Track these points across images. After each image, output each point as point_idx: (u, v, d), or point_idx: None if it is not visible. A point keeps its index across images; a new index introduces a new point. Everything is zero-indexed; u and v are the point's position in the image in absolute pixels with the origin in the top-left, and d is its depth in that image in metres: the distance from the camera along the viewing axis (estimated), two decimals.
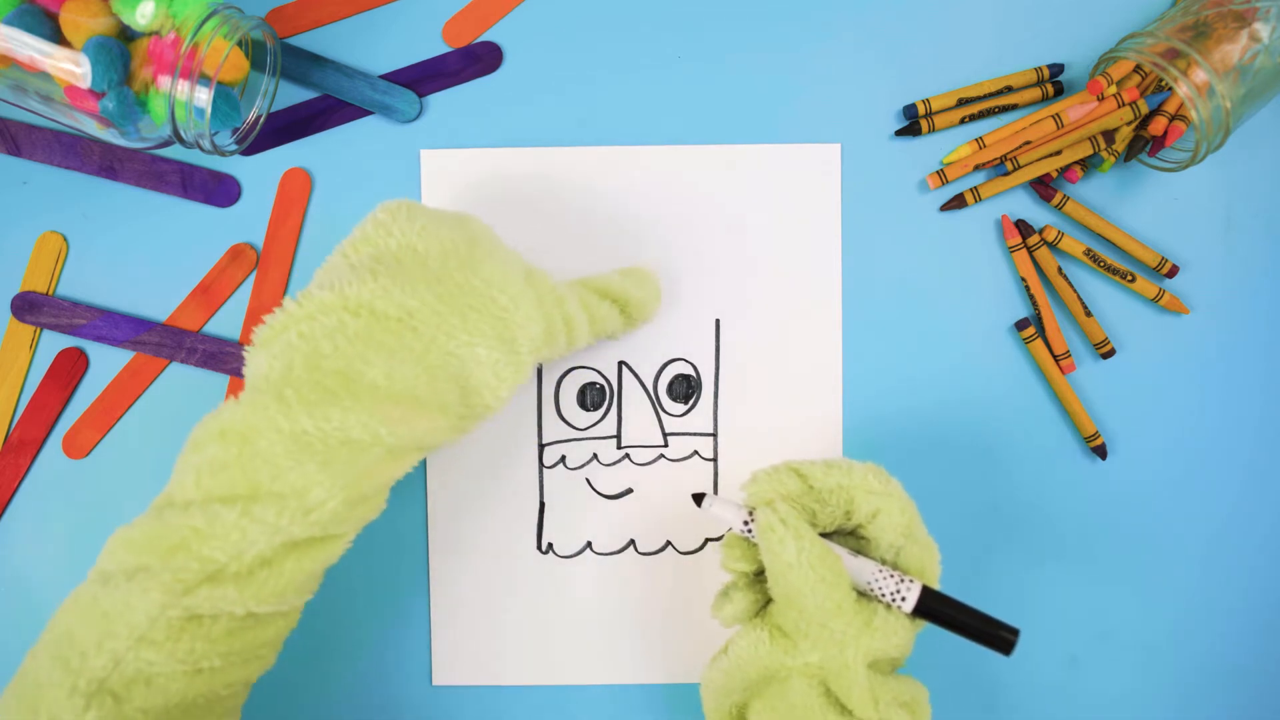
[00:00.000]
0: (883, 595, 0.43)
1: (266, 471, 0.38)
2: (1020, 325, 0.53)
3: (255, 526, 0.38)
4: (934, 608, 0.43)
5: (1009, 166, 0.53)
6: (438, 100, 0.54)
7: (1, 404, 0.53)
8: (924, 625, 0.44)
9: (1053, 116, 0.52)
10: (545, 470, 0.54)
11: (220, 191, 0.53)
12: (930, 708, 0.46)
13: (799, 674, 0.44)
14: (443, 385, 0.42)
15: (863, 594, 0.44)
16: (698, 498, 0.46)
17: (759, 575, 0.46)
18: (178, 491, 0.40)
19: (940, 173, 0.53)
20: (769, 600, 0.46)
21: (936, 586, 0.45)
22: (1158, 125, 0.51)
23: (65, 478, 0.54)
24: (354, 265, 0.42)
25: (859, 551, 0.45)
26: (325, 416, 0.38)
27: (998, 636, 0.42)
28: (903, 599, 0.43)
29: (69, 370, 0.53)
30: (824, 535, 0.46)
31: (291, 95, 0.53)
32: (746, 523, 0.45)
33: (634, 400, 0.54)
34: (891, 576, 0.43)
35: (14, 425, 0.53)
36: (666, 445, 0.54)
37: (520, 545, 0.54)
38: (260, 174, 0.54)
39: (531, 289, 0.44)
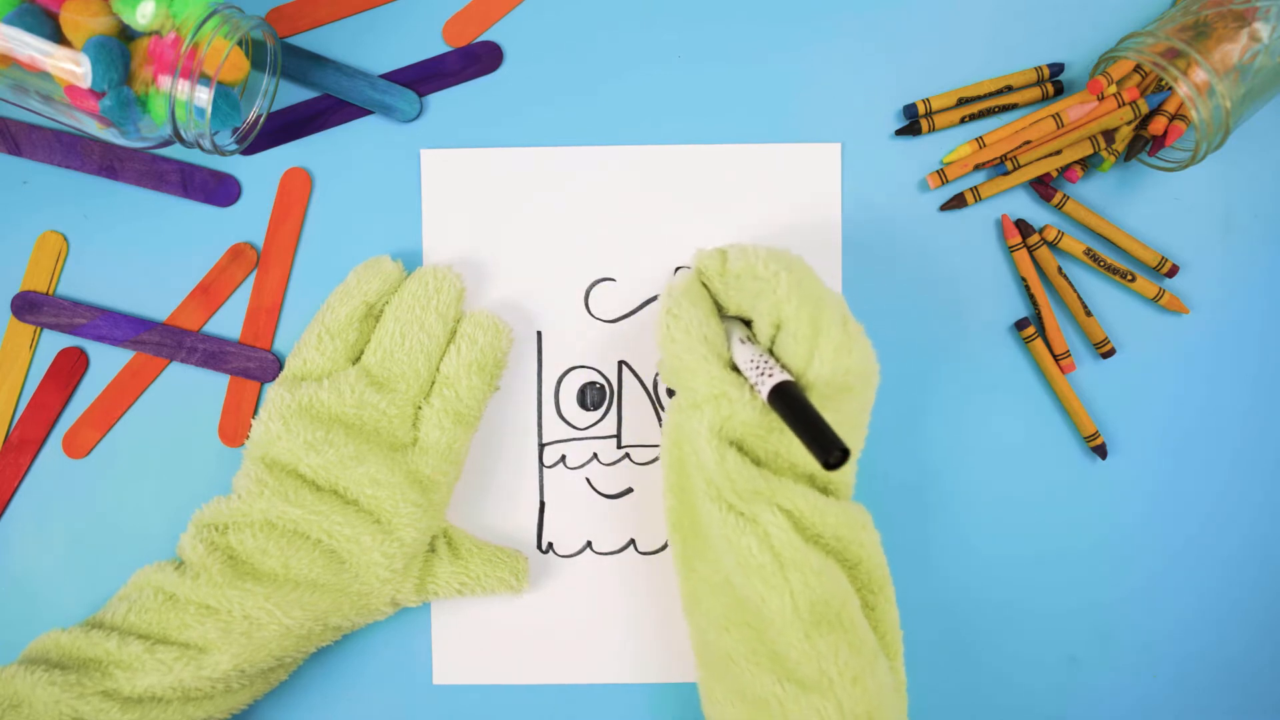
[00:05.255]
0: (751, 380, 0.45)
1: (177, 624, 0.47)
2: (1020, 325, 0.53)
3: (154, 664, 0.47)
4: (782, 403, 0.43)
5: (1009, 166, 0.53)
6: (438, 100, 0.54)
7: (1, 404, 0.53)
8: (774, 416, 0.46)
9: (1053, 116, 0.52)
10: (545, 470, 0.54)
11: (220, 191, 0.53)
12: (868, 540, 0.46)
13: (686, 435, 0.47)
14: (335, 568, 0.49)
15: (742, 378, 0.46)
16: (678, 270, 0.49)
17: None
18: (107, 617, 0.49)
19: (940, 172, 0.53)
20: None
21: (865, 392, 0.46)
22: (1158, 125, 0.51)
23: (65, 478, 0.54)
24: (252, 471, 0.50)
25: (752, 338, 0.47)
26: (227, 597, 0.47)
27: (824, 449, 0.41)
28: (757, 388, 0.45)
29: (69, 370, 0.53)
30: (738, 319, 0.49)
31: (291, 95, 0.53)
32: None
33: (634, 400, 0.54)
34: (758, 367, 0.45)
35: (14, 425, 0.53)
36: None
37: (520, 545, 0.54)
38: (260, 174, 0.54)
39: (400, 469, 0.50)
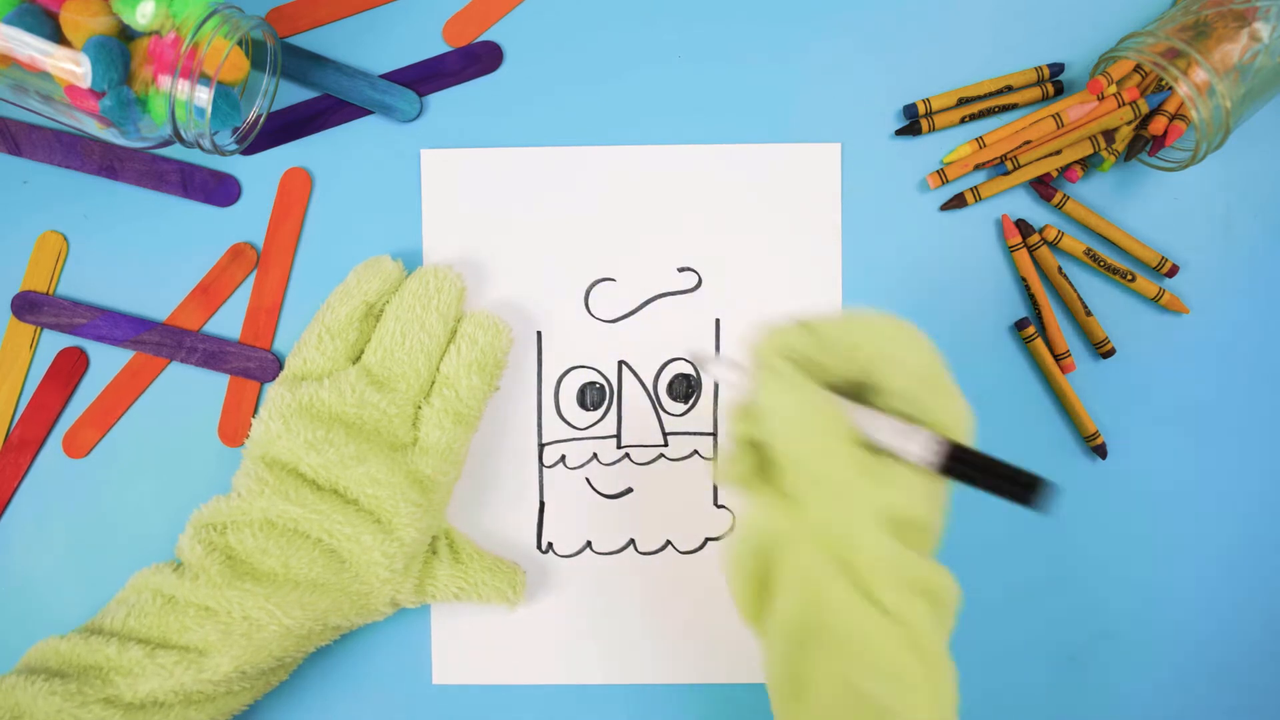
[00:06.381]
0: (899, 450, 0.39)
1: (176, 627, 0.47)
2: (1020, 325, 0.53)
3: (155, 668, 0.46)
4: (955, 460, 0.39)
5: (1009, 166, 0.53)
6: (438, 100, 0.54)
7: (1, 404, 0.53)
8: (945, 484, 0.40)
9: (1053, 116, 0.52)
10: (545, 470, 0.54)
11: (220, 191, 0.53)
12: (956, 603, 0.41)
13: (808, 540, 0.40)
14: (335, 568, 0.49)
15: (878, 451, 0.40)
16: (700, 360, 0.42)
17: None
18: (106, 622, 0.48)
19: (940, 172, 0.53)
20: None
21: (964, 442, 0.40)
22: (1158, 125, 0.51)
23: (65, 478, 0.54)
24: (252, 470, 0.50)
25: (874, 409, 0.41)
26: (226, 598, 0.47)
27: (1029, 488, 0.38)
28: (920, 452, 0.39)
29: (69, 370, 0.53)
30: (839, 393, 0.41)
31: (291, 95, 0.53)
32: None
33: (634, 400, 0.54)
34: (906, 430, 0.39)
35: (14, 425, 0.53)
36: (666, 445, 0.54)
37: (520, 545, 0.54)
38: (260, 174, 0.54)
39: (400, 469, 0.49)
